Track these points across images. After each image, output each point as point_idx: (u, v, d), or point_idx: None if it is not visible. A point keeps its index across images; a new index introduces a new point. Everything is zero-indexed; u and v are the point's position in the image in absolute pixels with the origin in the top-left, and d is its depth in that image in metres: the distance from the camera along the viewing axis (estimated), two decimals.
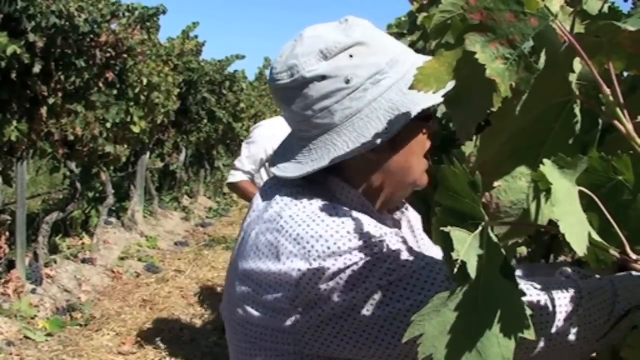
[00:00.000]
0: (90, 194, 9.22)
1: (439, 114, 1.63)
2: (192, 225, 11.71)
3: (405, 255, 1.15)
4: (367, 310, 1.13)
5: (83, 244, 8.46)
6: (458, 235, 0.77)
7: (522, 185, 0.91)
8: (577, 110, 0.90)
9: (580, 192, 0.79)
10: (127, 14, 7.73)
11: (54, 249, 7.74)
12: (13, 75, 5.03)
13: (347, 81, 1.23)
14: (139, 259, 8.73)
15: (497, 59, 0.76)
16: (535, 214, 0.90)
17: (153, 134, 9.69)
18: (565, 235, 0.70)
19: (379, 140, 1.21)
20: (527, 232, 0.96)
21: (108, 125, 7.15)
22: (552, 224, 0.88)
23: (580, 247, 0.71)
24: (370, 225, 1.19)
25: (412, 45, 2.22)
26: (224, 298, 1.41)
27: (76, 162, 7.35)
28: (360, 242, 1.15)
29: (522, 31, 0.76)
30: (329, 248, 1.14)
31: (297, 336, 1.19)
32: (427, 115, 1.28)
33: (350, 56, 1.24)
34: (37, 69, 5.22)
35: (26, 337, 5.55)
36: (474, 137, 1.12)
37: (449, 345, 0.78)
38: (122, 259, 8.52)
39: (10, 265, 6.32)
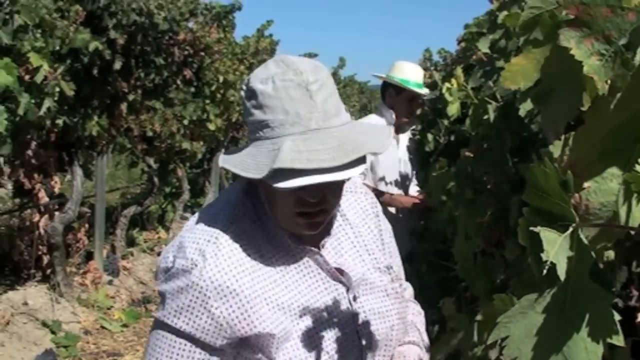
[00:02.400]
0: (167, 190, 9.41)
1: (521, 113, 1.60)
2: None
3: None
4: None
5: (159, 237, 8.65)
6: (548, 235, 0.75)
7: (613, 187, 0.87)
8: None
9: None
10: (205, 12, 7.86)
11: (131, 242, 7.94)
12: (95, 72, 5.18)
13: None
14: None
15: (593, 55, 0.74)
16: (625, 217, 0.87)
17: (228, 132, 9.82)
18: None
19: (242, 173, 1.36)
20: (616, 236, 0.92)
21: (185, 122, 7.29)
22: None
23: None
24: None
25: (493, 44, 2.18)
26: None
27: (154, 157, 7.52)
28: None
29: (618, 26, 0.74)
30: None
31: None
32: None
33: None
34: (117, 65, 5.35)
35: (102, 327, 5.71)
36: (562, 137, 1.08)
37: (534, 349, 0.76)
38: None
39: (89, 256, 6.52)
